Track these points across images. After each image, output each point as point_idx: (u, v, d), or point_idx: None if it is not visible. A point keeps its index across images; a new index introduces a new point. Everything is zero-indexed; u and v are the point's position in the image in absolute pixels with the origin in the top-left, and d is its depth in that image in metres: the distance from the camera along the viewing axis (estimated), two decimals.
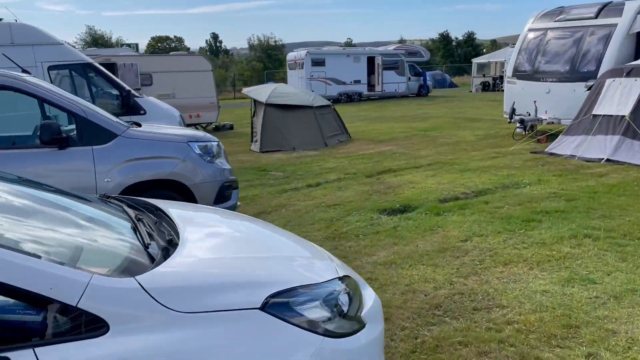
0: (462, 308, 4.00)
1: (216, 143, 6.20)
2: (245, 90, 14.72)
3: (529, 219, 5.93)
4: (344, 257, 5.15)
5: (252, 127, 13.92)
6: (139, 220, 2.59)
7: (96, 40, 45.58)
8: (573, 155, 9.45)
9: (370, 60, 33.02)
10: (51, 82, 9.26)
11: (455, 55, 69.18)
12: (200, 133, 6.26)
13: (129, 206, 2.91)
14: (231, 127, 19.09)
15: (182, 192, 5.68)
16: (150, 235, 2.42)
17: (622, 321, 3.67)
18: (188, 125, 18.45)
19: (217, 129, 18.93)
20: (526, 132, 11.99)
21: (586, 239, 5.26)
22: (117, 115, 9.72)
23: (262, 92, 13.59)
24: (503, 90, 14.96)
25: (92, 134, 5.25)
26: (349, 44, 76.79)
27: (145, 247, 2.29)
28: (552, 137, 11.08)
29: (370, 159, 10.64)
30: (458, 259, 4.96)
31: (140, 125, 6.21)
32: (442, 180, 8.19)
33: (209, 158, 5.89)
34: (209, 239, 2.57)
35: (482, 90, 37.47)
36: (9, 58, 6.69)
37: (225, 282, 2.12)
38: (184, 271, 2.14)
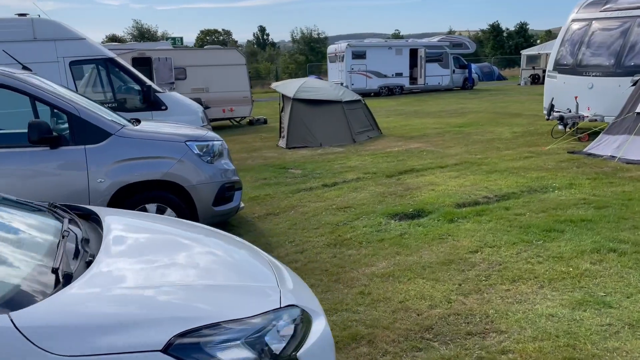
0: (455, 332, 3.62)
1: (219, 143, 5.98)
2: (274, 84, 14.53)
3: (549, 229, 5.43)
4: (341, 267, 4.84)
5: (280, 123, 13.71)
6: (64, 237, 2.35)
7: (143, 34, 46.47)
8: (613, 157, 8.76)
9: (413, 53, 32.28)
10: (72, 77, 9.32)
11: (505, 47, 67.04)
12: (202, 132, 6.04)
13: (70, 219, 2.69)
14: (265, 122, 18.95)
15: (179, 194, 5.50)
16: (67, 257, 2.19)
17: (634, 355, 3.22)
18: (221, 120, 18.49)
19: (251, 123, 18.86)
20: (567, 130, 11.28)
21: (610, 254, 4.74)
22: (138, 110, 9.74)
23: (290, 86, 13.32)
24: None
25: (85, 132, 5.11)
26: (396, 35, 75.56)
27: (54, 271, 2.05)
28: (595, 135, 10.35)
29: (395, 157, 10.22)
30: (463, 273, 4.55)
31: (139, 122, 6.07)
32: (465, 182, 7.71)
33: (208, 158, 5.67)
34: (131, 263, 2.30)
35: (531, 83, 36.06)
36: (9, 54, 6.65)
37: (122, 319, 1.85)
38: (74, 305, 1.88)
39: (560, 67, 11.96)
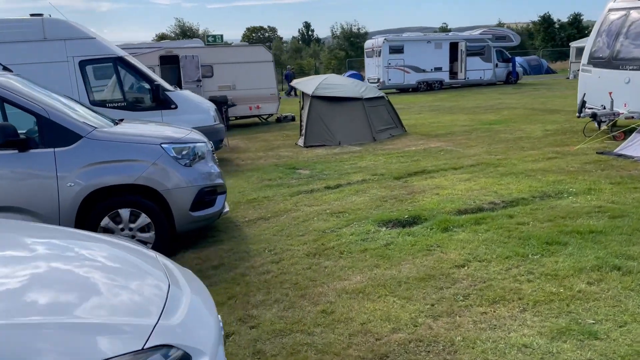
0: None
1: (202, 145, 5.73)
2: (294, 82, 14.21)
3: (551, 241, 4.91)
4: (312, 281, 4.51)
5: (300, 121, 13.42)
6: None
7: (185, 32, 47.09)
8: None
9: (453, 46, 31.35)
10: (82, 77, 9.29)
11: (557, 39, 64.63)
12: (182, 134, 5.79)
13: None
14: (293, 119, 18.70)
15: (154, 198, 5.28)
16: None
17: None
18: (248, 117, 18.35)
19: (279, 121, 18.67)
20: (600, 128, 10.50)
21: (613, 273, 4.20)
22: (148, 109, 9.65)
23: (310, 83, 13.00)
24: None
25: (55, 135, 4.96)
26: (444, 29, 73.98)
27: None
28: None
29: (410, 157, 9.74)
30: (440, 291, 4.12)
31: (122, 122, 5.91)
32: (475, 185, 7.19)
33: (187, 161, 5.43)
34: None
35: None
36: None
37: None
38: None
39: (595, 61, 11.15)
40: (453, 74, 31.91)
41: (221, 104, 16.99)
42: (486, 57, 31.96)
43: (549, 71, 45.64)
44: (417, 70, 30.52)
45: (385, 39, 30.17)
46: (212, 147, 6.17)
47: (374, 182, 7.86)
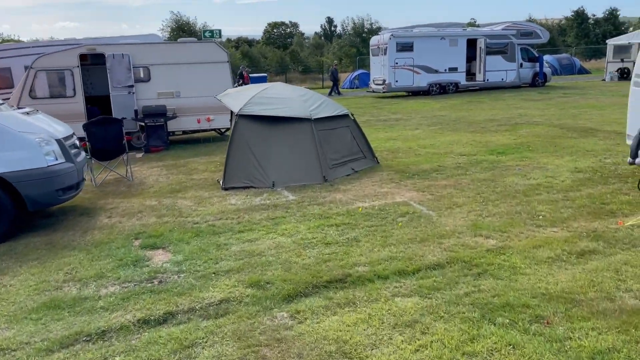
0: None
1: None
2: (221, 95, 10.31)
3: None
4: None
5: None
6: None
7: (181, 27, 43.54)
8: None
9: (471, 43, 27.20)
10: None
11: (591, 36, 60.24)
12: None
13: None
14: None
15: None
16: None
17: None
18: (197, 132, 14.72)
19: None
20: None
21: None
22: None
23: (241, 97, 9.24)
24: None
25: None
26: (472, 24, 69.33)
27: None
28: None
29: (350, 229, 5.89)
30: None
31: None
32: (412, 356, 3.34)
33: None
34: None
35: (618, 78, 29.95)
36: None
37: None
38: None
39: None
40: (470, 75, 27.82)
41: (158, 115, 13.40)
42: (509, 55, 27.75)
43: (582, 71, 41.13)
44: (429, 70, 26.52)
45: (392, 35, 26.15)
46: None
47: (237, 310, 4.05)
